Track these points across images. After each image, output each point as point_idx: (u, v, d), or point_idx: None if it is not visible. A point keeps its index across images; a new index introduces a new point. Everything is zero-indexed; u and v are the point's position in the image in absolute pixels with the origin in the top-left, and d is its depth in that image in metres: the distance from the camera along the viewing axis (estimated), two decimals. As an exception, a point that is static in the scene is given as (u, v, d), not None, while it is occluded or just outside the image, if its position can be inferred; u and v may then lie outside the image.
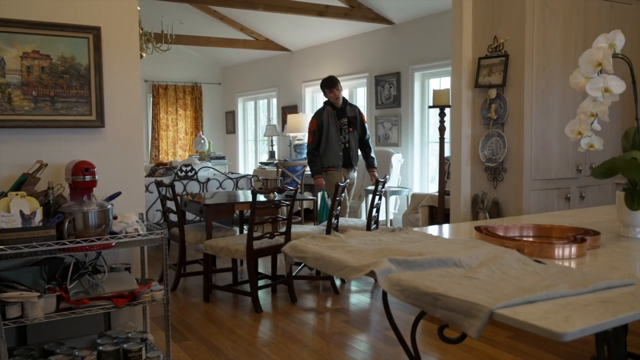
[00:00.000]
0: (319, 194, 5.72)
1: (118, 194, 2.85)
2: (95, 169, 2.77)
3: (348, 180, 5.58)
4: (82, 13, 2.98)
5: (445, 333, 1.89)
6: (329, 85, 5.70)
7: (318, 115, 5.75)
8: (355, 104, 6.44)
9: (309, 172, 8.75)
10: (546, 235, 1.92)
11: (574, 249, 1.65)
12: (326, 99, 5.80)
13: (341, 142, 5.69)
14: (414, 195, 6.35)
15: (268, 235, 4.20)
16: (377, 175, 5.68)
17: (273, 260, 4.71)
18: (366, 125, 6.00)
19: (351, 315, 4.06)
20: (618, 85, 1.89)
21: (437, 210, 5.34)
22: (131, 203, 3.13)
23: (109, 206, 2.68)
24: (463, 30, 4.33)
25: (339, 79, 8.65)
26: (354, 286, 4.81)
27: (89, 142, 3.04)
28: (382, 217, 6.75)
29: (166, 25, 7.68)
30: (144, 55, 6.91)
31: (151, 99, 11.24)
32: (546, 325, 1.08)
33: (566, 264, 1.60)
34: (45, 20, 2.87)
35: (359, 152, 5.94)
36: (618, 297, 1.26)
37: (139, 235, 2.76)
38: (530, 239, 1.89)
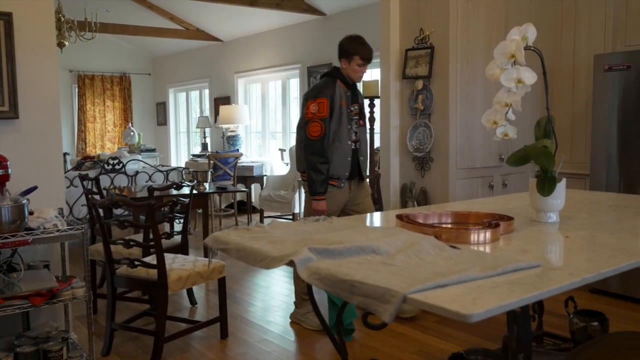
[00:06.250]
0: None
1: (34, 188, 2.73)
2: (8, 163, 2.63)
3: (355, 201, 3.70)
4: (-8, -3, 2.81)
5: (369, 320, 1.93)
6: (365, 51, 3.53)
7: (327, 91, 3.50)
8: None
9: (249, 163, 8.70)
10: (463, 221, 1.98)
11: (488, 234, 1.71)
12: (332, 70, 3.65)
13: (351, 139, 3.59)
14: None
15: (127, 262, 3.14)
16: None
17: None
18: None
19: (282, 309, 4.07)
20: (530, 77, 1.97)
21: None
22: (50, 198, 3.00)
23: (24, 201, 2.56)
24: (390, 22, 4.40)
25: (272, 70, 8.70)
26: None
27: (1, 134, 2.88)
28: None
29: (90, 13, 7.38)
30: (67, 44, 6.62)
31: (77, 89, 10.80)
32: (454, 307, 1.11)
33: (481, 248, 1.65)
34: (-51, 4, 2.69)
35: None
36: (525, 278, 1.32)
37: (58, 231, 2.65)
38: (449, 226, 1.95)
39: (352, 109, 3.59)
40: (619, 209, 2.40)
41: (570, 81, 4.73)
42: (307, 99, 3.55)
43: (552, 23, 4.73)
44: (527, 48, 1.99)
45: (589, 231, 1.90)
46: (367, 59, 3.54)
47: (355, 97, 3.63)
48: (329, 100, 3.46)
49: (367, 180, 3.77)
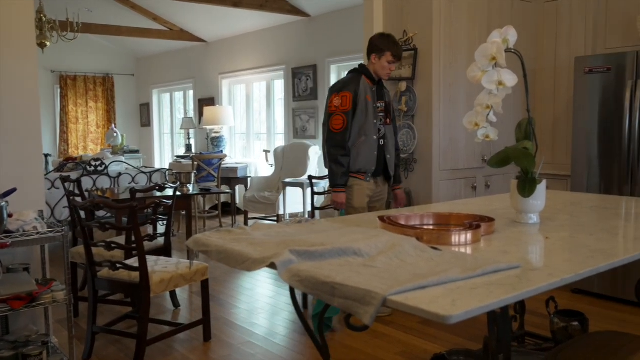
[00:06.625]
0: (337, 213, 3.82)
1: (13, 190, 2.69)
2: (-13, 164, 2.60)
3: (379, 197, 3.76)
4: (-30, -3, 2.78)
5: (352, 321, 1.93)
6: (397, 49, 3.57)
7: (352, 85, 3.54)
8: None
9: (233, 165, 8.67)
10: (445, 223, 1.99)
11: (469, 235, 1.71)
12: (358, 67, 3.67)
13: (377, 135, 3.61)
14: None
15: (108, 265, 3.04)
16: (403, 195, 3.90)
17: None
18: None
19: (267, 310, 4.06)
20: (511, 79, 1.98)
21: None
22: (30, 200, 2.96)
23: (3, 203, 2.52)
24: (374, 24, 4.41)
25: (257, 71, 8.68)
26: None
27: (-20, 135, 2.85)
28: (299, 209, 6.79)
29: (72, 13, 7.31)
30: (48, 44, 6.55)
31: (59, 90, 10.69)
32: (434, 309, 1.11)
33: (462, 250, 1.66)
34: None
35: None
36: (504, 279, 1.32)
37: (37, 233, 2.62)
38: (430, 227, 1.95)
39: (378, 105, 3.63)
40: (599, 210, 2.43)
41: (552, 83, 4.78)
42: (331, 92, 3.60)
43: (534, 26, 4.78)
44: (507, 50, 2.01)
45: (568, 232, 1.92)
46: (397, 57, 3.59)
47: (381, 94, 3.68)
48: (353, 94, 3.50)
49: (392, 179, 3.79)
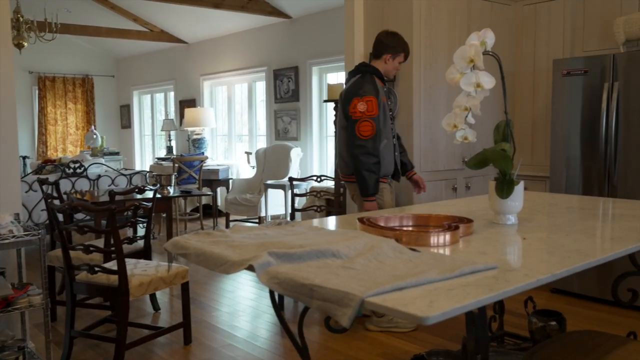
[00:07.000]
0: None
1: (-12, 193, 2.65)
2: (-39, 167, 2.55)
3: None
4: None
5: (332, 323, 1.93)
6: (408, 49, 3.57)
7: (372, 88, 3.41)
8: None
9: (215, 167, 8.60)
10: (424, 224, 1.99)
11: (447, 236, 1.72)
12: (363, 67, 3.56)
13: (393, 135, 3.59)
14: (313, 189, 6.42)
15: (86, 268, 2.93)
16: (420, 177, 3.85)
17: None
18: None
19: (248, 313, 4.04)
20: (489, 81, 2.00)
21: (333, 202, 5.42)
22: (6, 202, 2.91)
23: (-23, 206, 2.48)
24: (355, 26, 4.42)
25: (238, 72, 8.65)
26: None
27: (-46, 137, 2.80)
28: (281, 211, 6.78)
29: (51, 13, 7.22)
30: (26, 44, 6.46)
31: (37, 91, 10.55)
32: (411, 310, 1.11)
33: (441, 251, 1.67)
34: None
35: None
36: (481, 280, 1.33)
37: (13, 237, 2.58)
38: (410, 229, 1.96)
39: (390, 105, 3.60)
40: (575, 210, 2.46)
41: (531, 85, 4.84)
42: (351, 97, 3.41)
43: (513, 28, 4.82)
44: (485, 53, 2.03)
45: (545, 232, 1.94)
46: (407, 57, 3.58)
47: (388, 93, 3.62)
48: (377, 98, 3.37)
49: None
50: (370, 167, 3.35)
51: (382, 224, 1.93)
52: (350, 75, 3.61)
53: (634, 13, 4.03)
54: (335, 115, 4.91)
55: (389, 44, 3.51)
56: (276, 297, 2.09)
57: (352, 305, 1.20)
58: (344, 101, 3.49)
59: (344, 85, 3.66)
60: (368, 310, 3.68)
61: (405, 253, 1.55)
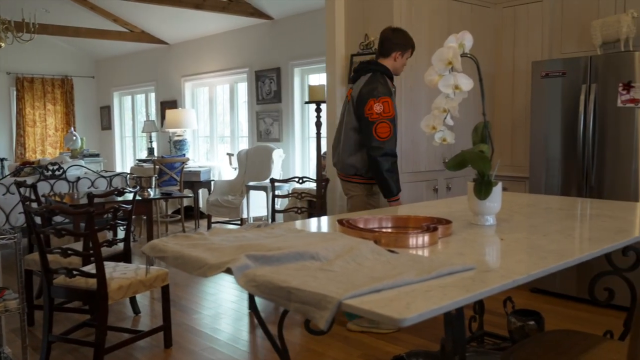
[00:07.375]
0: None
1: (-37, 196, 2.60)
2: None
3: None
4: None
5: (311, 326, 1.92)
6: (413, 44, 3.56)
7: (386, 89, 3.42)
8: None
9: (196, 168, 8.53)
10: (403, 225, 2.00)
11: (426, 237, 1.73)
12: (371, 65, 3.52)
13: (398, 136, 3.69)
14: (295, 190, 6.41)
15: (64, 272, 2.90)
16: None
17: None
18: None
19: (229, 315, 4.02)
20: (467, 83, 2.01)
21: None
22: (-19, 206, 2.86)
23: (-49, 210, 2.43)
24: (336, 28, 4.42)
25: (220, 73, 8.61)
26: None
27: None
28: (263, 212, 6.76)
29: (28, 13, 7.12)
30: (3, 45, 6.37)
31: (15, 92, 10.41)
32: (388, 312, 1.11)
33: (419, 252, 1.67)
34: None
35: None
36: (458, 281, 1.34)
37: (-12, 240, 2.53)
38: (389, 230, 1.96)
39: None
40: (553, 211, 2.48)
41: (510, 87, 4.88)
42: (367, 98, 3.37)
43: (492, 30, 4.87)
44: (463, 55, 2.04)
45: (523, 233, 1.96)
46: (413, 52, 3.58)
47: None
48: (392, 99, 3.38)
49: None
50: (390, 168, 3.40)
51: (361, 225, 1.93)
52: (356, 73, 3.55)
53: (611, 16, 4.09)
54: (318, 117, 4.91)
55: (397, 41, 3.47)
56: (256, 300, 2.09)
57: (330, 307, 1.20)
58: (357, 102, 3.44)
59: (347, 86, 3.63)
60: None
61: (383, 255, 1.55)
